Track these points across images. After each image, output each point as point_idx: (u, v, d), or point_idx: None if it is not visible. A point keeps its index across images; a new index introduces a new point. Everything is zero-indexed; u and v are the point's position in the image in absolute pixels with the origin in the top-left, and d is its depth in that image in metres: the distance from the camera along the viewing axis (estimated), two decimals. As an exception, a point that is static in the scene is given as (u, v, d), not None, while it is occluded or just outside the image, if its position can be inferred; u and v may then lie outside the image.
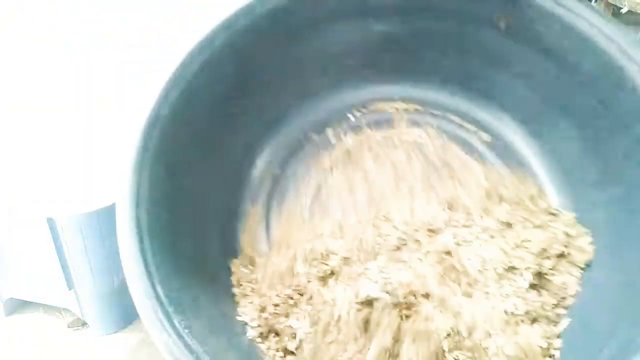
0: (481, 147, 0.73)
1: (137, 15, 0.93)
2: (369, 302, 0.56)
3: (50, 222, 0.94)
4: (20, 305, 1.13)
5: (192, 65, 0.60)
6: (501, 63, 0.68)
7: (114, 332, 1.05)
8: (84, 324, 1.07)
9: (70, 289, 1.01)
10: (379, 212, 0.66)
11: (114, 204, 0.97)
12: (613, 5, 1.87)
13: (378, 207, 0.67)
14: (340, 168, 0.73)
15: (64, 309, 1.08)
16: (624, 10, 1.79)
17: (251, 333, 0.58)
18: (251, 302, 0.59)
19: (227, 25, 0.62)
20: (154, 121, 0.57)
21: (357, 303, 0.55)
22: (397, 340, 0.53)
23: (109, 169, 0.94)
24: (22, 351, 1.03)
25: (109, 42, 0.90)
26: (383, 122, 0.76)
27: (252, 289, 0.62)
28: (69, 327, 1.08)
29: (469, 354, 0.53)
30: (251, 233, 0.70)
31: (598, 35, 0.57)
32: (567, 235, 0.63)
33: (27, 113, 0.87)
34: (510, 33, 0.64)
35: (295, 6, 0.65)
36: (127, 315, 1.08)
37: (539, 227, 0.63)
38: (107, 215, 0.97)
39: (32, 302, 1.09)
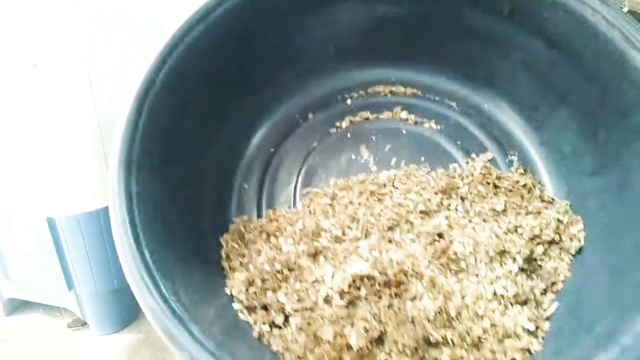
0: (478, 134, 0.73)
1: None
2: (358, 280, 0.56)
3: (50, 222, 0.94)
4: (20, 305, 1.13)
5: (187, 37, 0.61)
6: (502, 50, 0.68)
7: (114, 332, 1.05)
8: (84, 324, 1.07)
9: (70, 289, 1.01)
10: (372, 193, 0.66)
11: (114, 204, 0.97)
12: (613, 5, 1.88)
13: (371, 187, 0.67)
14: (336, 148, 0.74)
15: (64, 309, 1.08)
16: (624, 10, 1.80)
17: (238, 306, 0.58)
18: (239, 276, 0.59)
19: None
20: (147, 90, 0.57)
21: (346, 281, 0.55)
22: (382, 322, 0.53)
23: (109, 169, 0.94)
24: (22, 351, 1.03)
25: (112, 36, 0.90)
26: (381, 106, 0.76)
27: (241, 263, 0.62)
28: (69, 327, 1.08)
29: (457, 334, 0.53)
30: (242, 209, 0.70)
31: (601, 22, 0.56)
32: (560, 222, 0.63)
33: (27, 113, 0.87)
34: (513, 19, 0.64)
35: None
36: (127, 315, 1.08)
37: (531, 213, 0.64)
38: (108, 215, 0.97)
39: (32, 302, 1.09)
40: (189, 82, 0.61)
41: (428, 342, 0.52)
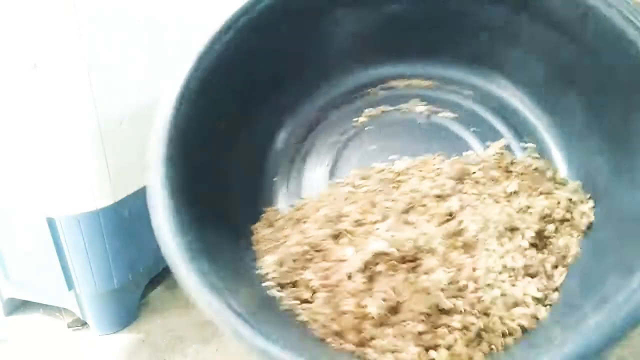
0: (493, 120, 0.76)
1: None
2: (377, 257, 0.61)
3: (50, 222, 0.94)
4: (20, 305, 1.13)
5: (219, 42, 0.66)
6: (510, 37, 0.71)
7: (114, 332, 1.06)
8: (84, 324, 1.08)
9: (70, 289, 1.01)
10: (390, 181, 0.72)
11: (114, 204, 0.98)
12: (613, 5, 1.88)
13: (389, 176, 0.72)
14: (356, 141, 0.79)
15: (64, 309, 1.08)
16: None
17: (270, 283, 0.63)
18: (270, 258, 0.64)
19: (254, 3, 0.67)
20: (183, 95, 0.62)
21: (366, 258, 0.60)
22: (398, 293, 0.58)
23: (109, 169, 0.94)
24: (22, 351, 1.03)
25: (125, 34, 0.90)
26: (398, 98, 0.81)
27: (271, 247, 0.67)
28: (69, 327, 1.08)
29: (467, 302, 0.57)
30: (272, 200, 0.76)
31: (599, 3, 0.59)
32: (570, 201, 0.66)
33: (27, 113, 0.88)
34: (519, 8, 0.68)
35: None
36: (127, 315, 1.08)
37: (543, 194, 0.67)
38: (107, 215, 0.97)
39: (32, 302, 1.10)
40: (219, 88, 0.66)
41: (440, 309, 0.57)
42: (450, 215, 0.66)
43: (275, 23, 0.70)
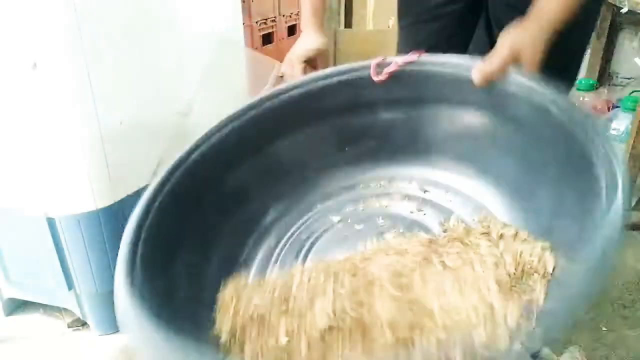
0: (455, 203, 0.79)
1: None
2: (326, 331, 0.60)
3: (50, 222, 0.94)
4: (20, 305, 1.13)
5: (202, 147, 0.70)
6: (488, 141, 0.76)
7: (114, 332, 1.06)
8: (84, 324, 1.08)
9: (70, 289, 1.01)
10: (352, 268, 0.70)
11: (114, 204, 0.98)
12: (613, 5, 1.88)
13: (352, 262, 0.71)
14: (334, 235, 0.80)
15: (64, 309, 1.08)
16: (624, 10, 1.80)
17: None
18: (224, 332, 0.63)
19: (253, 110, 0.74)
20: (148, 210, 0.66)
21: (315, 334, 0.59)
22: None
23: (109, 169, 0.94)
24: (22, 351, 1.04)
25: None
26: (381, 197, 0.84)
27: (229, 324, 0.66)
28: (69, 327, 1.08)
29: None
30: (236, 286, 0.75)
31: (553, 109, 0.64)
32: (532, 256, 0.66)
33: (27, 113, 0.88)
34: (494, 116, 0.73)
35: (307, 100, 0.77)
36: (127, 315, 1.08)
37: (508, 252, 0.67)
38: (107, 215, 0.97)
39: (32, 302, 1.10)
40: (198, 185, 0.70)
41: None
42: (407, 286, 0.64)
43: (275, 122, 0.76)
